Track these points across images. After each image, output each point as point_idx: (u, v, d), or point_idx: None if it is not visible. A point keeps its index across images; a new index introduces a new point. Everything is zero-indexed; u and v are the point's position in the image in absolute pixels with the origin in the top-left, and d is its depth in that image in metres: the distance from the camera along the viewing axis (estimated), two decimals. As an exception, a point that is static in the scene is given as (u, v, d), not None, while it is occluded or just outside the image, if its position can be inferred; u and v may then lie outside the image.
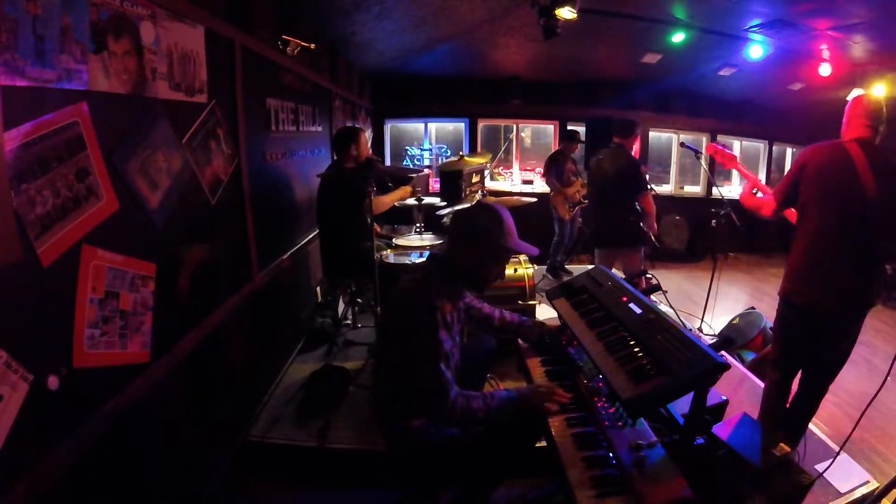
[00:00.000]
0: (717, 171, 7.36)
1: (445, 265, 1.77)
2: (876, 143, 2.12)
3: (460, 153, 3.94)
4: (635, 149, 7.10)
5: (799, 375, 2.35)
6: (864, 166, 2.04)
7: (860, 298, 2.13)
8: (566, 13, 3.48)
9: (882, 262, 2.15)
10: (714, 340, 1.62)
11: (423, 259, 1.94)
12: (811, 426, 2.66)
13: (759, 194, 2.56)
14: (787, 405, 2.36)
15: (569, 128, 5.97)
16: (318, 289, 4.01)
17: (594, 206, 4.08)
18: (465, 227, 1.77)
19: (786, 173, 2.27)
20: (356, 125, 5.51)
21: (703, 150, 7.15)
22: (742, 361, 3.41)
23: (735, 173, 7.75)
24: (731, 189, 7.65)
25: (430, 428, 1.70)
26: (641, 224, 3.69)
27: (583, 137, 5.69)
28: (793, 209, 2.34)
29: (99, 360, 1.43)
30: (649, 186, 3.85)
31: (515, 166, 7.49)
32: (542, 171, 5.69)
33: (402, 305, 1.73)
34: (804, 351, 2.28)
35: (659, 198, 6.96)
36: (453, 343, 1.71)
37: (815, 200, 2.14)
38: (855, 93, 2.27)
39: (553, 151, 5.87)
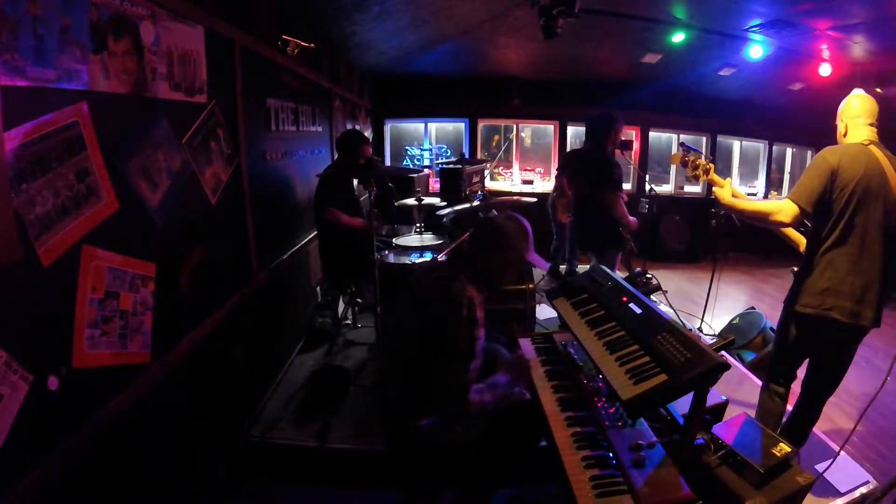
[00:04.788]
0: (717, 171, 7.35)
1: (469, 265, 1.80)
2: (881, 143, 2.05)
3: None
4: (635, 147, 7.15)
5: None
6: (890, 169, 1.96)
7: (881, 308, 2.03)
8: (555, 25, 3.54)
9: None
10: (714, 340, 1.62)
11: (444, 258, 1.98)
12: (811, 426, 2.66)
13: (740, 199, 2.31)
14: (791, 415, 2.33)
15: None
16: (318, 289, 4.01)
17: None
18: (495, 236, 1.81)
19: (808, 177, 2.01)
20: (356, 126, 5.51)
21: (703, 150, 7.17)
22: (742, 361, 3.41)
23: (735, 173, 7.75)
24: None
25: (437, 427, 1.70)
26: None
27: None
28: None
29: (99, 360, 1.43)
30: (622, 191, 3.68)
31: (515, 166, 7.49)
32: (557, 169, 5.16)
33: (440, 300, 1.72)
34: (807, 362, 2.22)
35: (659, 198, 7.01)
36: (482, 343, 1.74)
37: (855, 208, 1.96)
38: (856, 91, 2.19)
39: (573, 150, 5.33)
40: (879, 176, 1.96)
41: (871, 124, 2.05)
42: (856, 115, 2.08)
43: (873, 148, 2.01)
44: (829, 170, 1.98)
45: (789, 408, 2.36)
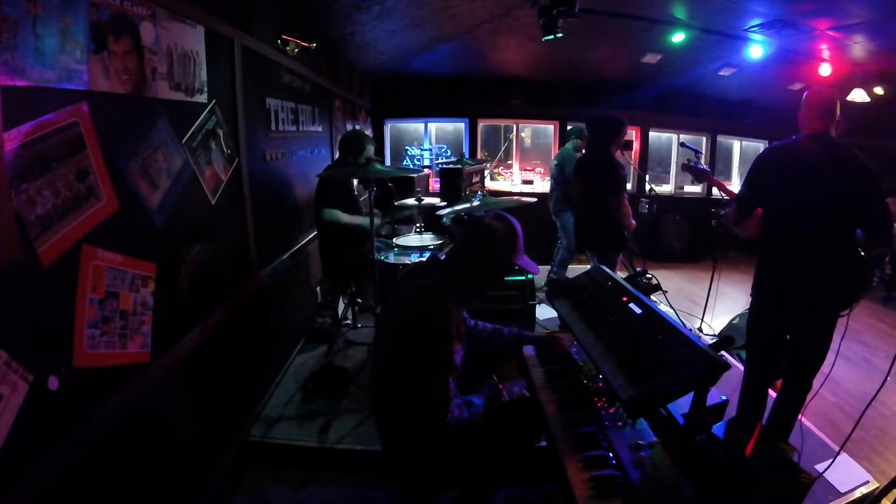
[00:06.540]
0: (717, 171, 7.35)
1: (450, 270, 1.73)
2: (831, 136, 2.15)
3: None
4: (635, 147, 7.15)
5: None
6: (815, 160, 2.08)
7: (828, 280, 2.11)
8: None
9: (858, 257, 2.11)
10: (714, 340, 1.62)
11: (423, 261, 1.91)
12: (811, 426, 2.66)
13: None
14: (774, 404, 2.37)
15: (570, 126, 5.67)
16: (318, 289, 4.01)
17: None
18: (482, 238, 1.72)
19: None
20: (356, 126, 5.50)
21: (703, 150, 7.17)
22: (742, 361, 3.40)
23: (735, 173, 7.76)
24: (731, 188, 7.63)
25: (432, 431, 1.69)
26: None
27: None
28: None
29: (99, 360, 1.43)
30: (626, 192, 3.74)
31: (515, 166, 7.49)
32: (559, 173, 4.89)
33: (414, 312, 1.66)
34: (776, 340, 2.34)
35: (659, 198, 7.01)
36: (460, 356, 1.69)
37: (770, 201, 2.22)
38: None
39: (570, 150, 4.93)
40: (794, 167, 2.14)
41: (823, 121, 2.17)
42: (807, 111, 2.23)
43: (804, 141, 2.16)
44: (754, 167, 2.34)
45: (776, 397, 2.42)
